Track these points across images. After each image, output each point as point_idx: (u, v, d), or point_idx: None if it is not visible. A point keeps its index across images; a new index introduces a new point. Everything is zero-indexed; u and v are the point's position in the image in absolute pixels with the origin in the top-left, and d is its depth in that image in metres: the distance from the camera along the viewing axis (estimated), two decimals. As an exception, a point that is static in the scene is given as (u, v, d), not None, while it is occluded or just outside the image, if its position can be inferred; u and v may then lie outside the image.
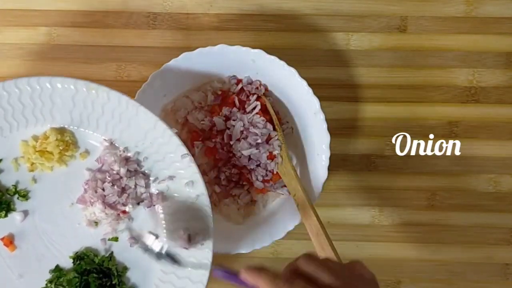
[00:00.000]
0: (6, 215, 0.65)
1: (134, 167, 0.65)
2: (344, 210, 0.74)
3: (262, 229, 0.69)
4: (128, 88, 0.72)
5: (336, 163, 0.72)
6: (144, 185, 0.65)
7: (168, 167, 0.65)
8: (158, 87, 0.68)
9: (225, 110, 0.69)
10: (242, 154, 0.68)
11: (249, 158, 0.69)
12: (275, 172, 0.69)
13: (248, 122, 0.69)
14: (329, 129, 0.67)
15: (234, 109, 0.69)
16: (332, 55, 0.75)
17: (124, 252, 0.66)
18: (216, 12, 0.75)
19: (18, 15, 0.75)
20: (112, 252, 0.66)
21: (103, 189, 0.64)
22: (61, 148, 0.64)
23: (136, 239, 0.65)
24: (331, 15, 0.75)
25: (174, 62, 0.67)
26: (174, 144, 0.63)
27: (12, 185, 0.65)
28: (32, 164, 0.65)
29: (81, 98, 0.63)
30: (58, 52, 0.75)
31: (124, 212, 0.65)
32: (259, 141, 0.68)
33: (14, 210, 0.65)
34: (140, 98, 0.67)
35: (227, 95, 0.70)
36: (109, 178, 0.65)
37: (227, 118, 0.69)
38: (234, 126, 0.69)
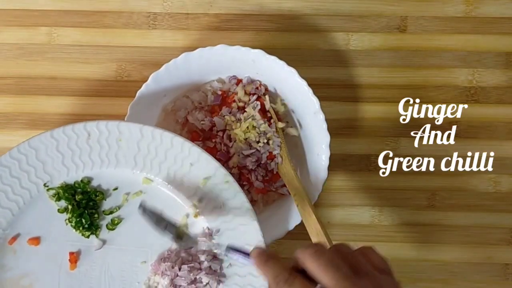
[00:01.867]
0: (88, 237, 0.65)
1: (216, 267, 0.65)
2: (344, 210, 0.74)
3: (262, 229, 0.69)
4: (128, 88, 0.73)
5: (336, 163, 0.72)
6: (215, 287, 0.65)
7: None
8: (158, 87, 0.68)
9: (225, 110, 0.69)
10: (242, 154, 0.68)
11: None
12: (275, 172, 0.69)
13: (248, 122, 0.69)
14: (329, 129, 0.67)
15: (234, 109, 0.69)
16: (332, 55, 0.75)
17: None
18: (216, 12, 0.75)
19: (18, 15, 0.75)
20: None
21: (179, 269, 0.64)
22: None
23: None
24: (331, 15, 0.75)
25: (174, 62, 0.67)
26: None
27: (110, 210, 0.66)
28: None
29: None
30: (58, 52, 0.75)
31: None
32: (259, 141, 0.68)
33: (97, 235, 0.66)
34: (140, 98, 0.67)
35: (227, 95, 0.70)
36: (190, 264, 0.64)
37: (227, 118, 0.69)
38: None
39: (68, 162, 0.64)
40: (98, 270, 0.65)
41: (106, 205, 0.66)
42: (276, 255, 0.49)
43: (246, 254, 0.52)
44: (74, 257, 0.65)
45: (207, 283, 0.64)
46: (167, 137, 0.63)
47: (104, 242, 0.66)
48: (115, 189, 0.66)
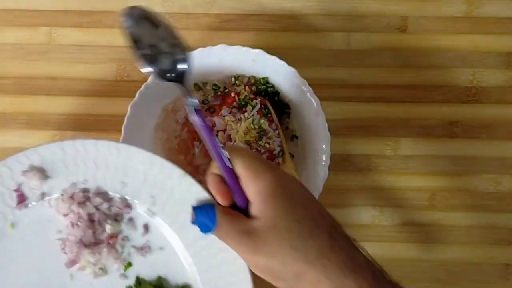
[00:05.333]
0: None
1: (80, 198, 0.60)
2: (344, 210, 0.74)
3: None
4: (128, 88, 0.73)
5: (336, 163, 0.72)
6: (108, 205, 0.60)
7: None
8: (158, 87, 0.68)
9: (225, 110, 0.69)
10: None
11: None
12: (275, 172, 0.69)
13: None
14: (329, 129, 0.67)
15: (234, 109, 0.69)
16: (332, 55, 0.75)
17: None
18: (216, 12, 0.75)
19: (18, 15, 0.75)
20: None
21: (75, 236, 0.59)
22: None
23: None
24: (331, 15, 0.75)
25: (174, 62, 0.67)
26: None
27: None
28: None
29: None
30: (58, 52, 0.75)
31: (111, 237, 0.60)
32: (259, 141, 0.68)
33: None
34: (140, 98, 0.67)
35: (227, 95, 0.70)
36: (70, 224, 0.59)
37: (227, 118, 0.69)
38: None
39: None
40: None
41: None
42: (244, 153, 0.52)
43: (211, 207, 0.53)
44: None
45: (97, 207, 0.60)
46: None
47: None
48: None
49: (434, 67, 0.75)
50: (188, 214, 0.56)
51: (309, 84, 0.66)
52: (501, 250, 0.73)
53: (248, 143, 0.69)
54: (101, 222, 0.60)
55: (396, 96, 0.74)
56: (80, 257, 0.59)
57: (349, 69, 0.75)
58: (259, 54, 0.67)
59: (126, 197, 0.60)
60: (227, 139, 0.69)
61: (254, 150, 0.68)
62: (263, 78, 0.70)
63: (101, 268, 0.60)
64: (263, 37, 0.75)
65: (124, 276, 0.60)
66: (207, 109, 0.71)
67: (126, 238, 0.60)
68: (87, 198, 0.60)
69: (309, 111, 0.68)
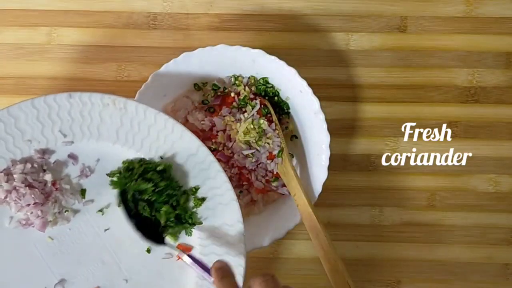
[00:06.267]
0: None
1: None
2: (344, 210, 0.74)
3: (262, 229, 0.69)
4: (128, 88, 0.72)
5: (336, 163, 0.72)
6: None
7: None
8: (158, 87, 0.68)
9: (225, 110, 0.69)
10: (242, 154, 0.68)
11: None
12: (275, 172, 0.69)
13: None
14: (329, 129, 0.67)
15: (234, 109, 0.69)
16: (332, 55, 0.75)
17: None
18: (216, 12, 0.75)
19: (18, 15, 0.75)
20: None
21: (29, 203, 0.62)
22: None
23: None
24: (331, 15, 0.75)
25: (174, 62, 0.67)
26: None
27: None
28: None
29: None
30: (58, 52, 0.75)
31: (54, 183, 0.64)
32: (259, 141, 0.68)
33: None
34: (140, 98, 0.67)
35: (227, 95, 0.70)
36: (13, 204, 0.63)
37: (227, 118, 0.69)
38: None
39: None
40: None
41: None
42: (232, 274, 0.54)
43: (203, 265, 0.58)
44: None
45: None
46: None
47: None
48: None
49: (434, 67, 0.75)
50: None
51: (309, 84, 0.66)
52: (501, 250, 0.73)
53: (248, 143, 0.69)
54: (36, 179, 0.63)
55: (396, 96, 0.74)
56: (45, 216, 0.62)
57: (349, 69, 0.75)
58: (259, 54, 0.67)
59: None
60: (227, 139, 0.69)
61: (253, 150, 0.68)
62: (263, 78, 0.70)
63: (67, 210, 0.64)
64: (263, 37, 0.75)
65: (89, 201, 0.64)
66: (207, 109, 0.71)
67: (66, 176, 0.64)
68: (9, 174, 0.62)
69: (309, 111, 0.68)
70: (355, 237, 0.74)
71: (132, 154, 0.64)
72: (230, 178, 0.70)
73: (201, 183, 0.64)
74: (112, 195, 0.63)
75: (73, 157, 0.64)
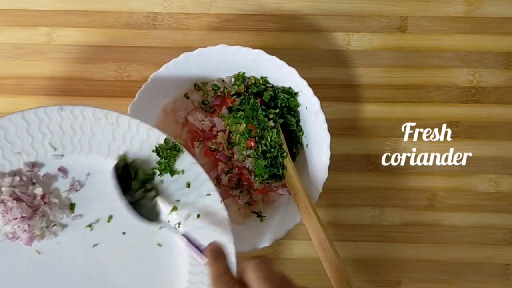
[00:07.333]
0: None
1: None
2: (344, 210, 0.74)
3: (262, 229, 0.69)
4: (128, 88, 0.73)
5: (336, 163, 0.72)
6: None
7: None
8: (158, 87, 0.68)
9: (225, 110, 0.69)
10: (242, 154, 0.68)
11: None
12: (275, 172, 0.70)
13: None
14: (329, 129, 0.67)
15: (234, 109, 0.69)
16: (332, 55, 0.75)
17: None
18: (216, 12, 0.75)
19: (18, 15, 0.75)
20: None
21: (16, 217, 0.61)
22: None
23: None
24: (331, 15, 0.75)
25: (174, 62, 0.67)
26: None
27: None
28: None
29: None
30: (58, 52, 0.75)
31: (43, 197, 0.63)
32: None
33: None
34: (140, 98, 0.67)
35: (227, 95, 0.70)
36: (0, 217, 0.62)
37: (227, 118, 0.69)
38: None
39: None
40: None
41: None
42: (226, 256, 0.56)
43: (196, 246, 0.59)
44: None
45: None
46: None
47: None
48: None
49: (434, 67, 0.75)
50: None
51: (309, 84, 0.66)
52: (501, 250, 0.73)
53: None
54: (25, 192, 0.62)
55: (396, 96, 0.74)
56: (32, 230, 0.62)
57: (349, 69, 0.75)
58: (259, 54, 0.67)
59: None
60: (227, 139, 0.69)
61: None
62: (263, 78, 0.70)
63: (55, 225, 0.63)
64: (263, 37, 0.75)
65: (78, 216, 0.63)
66: (207, 109, 0.71)
67: (55, 190, 0.63)
68: None
69: (309, 111, 0.68)
70: (355, 237, 0.74)
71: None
72: (231, 178, 0.70)
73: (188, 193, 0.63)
74: (101, 210, 0.63)
75: (63, 170, 0.63)
